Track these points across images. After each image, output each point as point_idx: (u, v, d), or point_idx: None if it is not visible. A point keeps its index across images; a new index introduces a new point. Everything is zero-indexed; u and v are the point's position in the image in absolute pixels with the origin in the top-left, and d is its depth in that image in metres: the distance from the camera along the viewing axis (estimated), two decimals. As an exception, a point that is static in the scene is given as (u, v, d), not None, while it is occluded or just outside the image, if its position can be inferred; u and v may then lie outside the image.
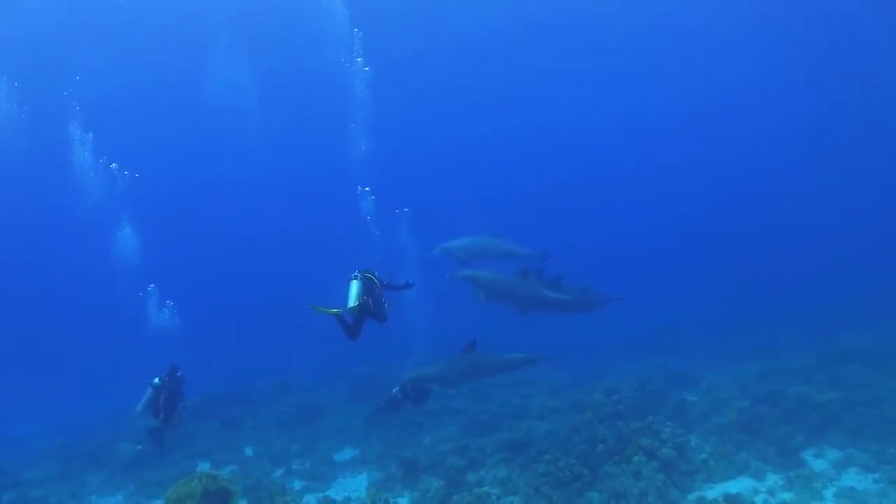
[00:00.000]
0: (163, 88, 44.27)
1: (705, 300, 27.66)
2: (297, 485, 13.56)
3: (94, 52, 38.67)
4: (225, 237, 49.44)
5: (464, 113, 51.14)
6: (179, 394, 11.46)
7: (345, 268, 10.03)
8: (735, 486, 10.69)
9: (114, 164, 24.18)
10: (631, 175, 50.43)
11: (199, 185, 51.20)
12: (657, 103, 49.95)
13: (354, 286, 9.78)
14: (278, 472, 14.50)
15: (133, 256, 23.64)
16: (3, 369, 34.38)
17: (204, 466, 14.86)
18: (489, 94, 50.59)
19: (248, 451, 16.30)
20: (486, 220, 16.78)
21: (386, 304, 10.03)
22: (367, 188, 17.97)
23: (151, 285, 19.28)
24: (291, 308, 15.35)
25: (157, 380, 11.32)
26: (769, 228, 40.76)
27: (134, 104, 43.68)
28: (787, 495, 10.20)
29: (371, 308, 9.77)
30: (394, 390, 13.30)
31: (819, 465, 11.19)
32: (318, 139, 43.29)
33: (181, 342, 18.74)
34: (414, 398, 13.32)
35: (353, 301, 9.67)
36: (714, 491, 10.53)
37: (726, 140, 47.82)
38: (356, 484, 13.39)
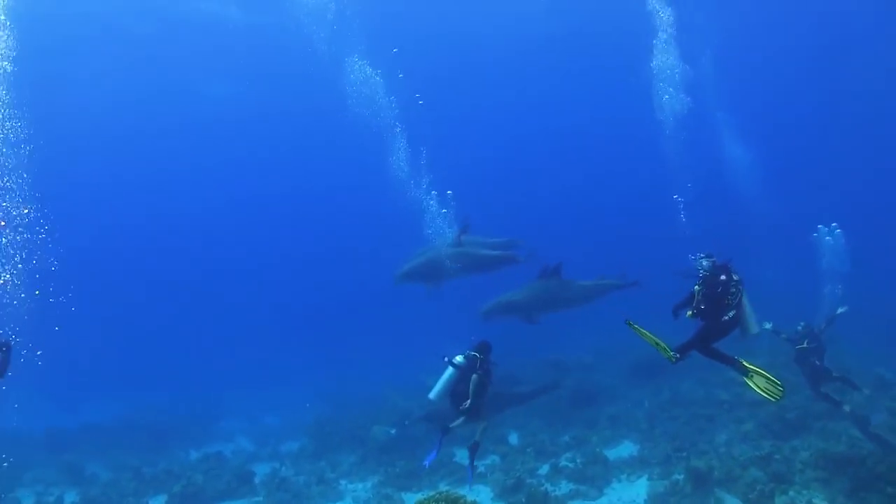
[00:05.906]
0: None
1: None
2: (564, 487, 12.01)
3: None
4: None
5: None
6: (490, 379, 9.15)
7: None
8: None
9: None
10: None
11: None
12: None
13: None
14: (543, 469, 13.05)
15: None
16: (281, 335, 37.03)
17: (462, 456, 13.44)
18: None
19: (513, 440, 15.14)
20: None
21: None
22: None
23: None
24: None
25: (460, 357, 9.10)
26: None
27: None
28: None
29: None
30: None
31: None
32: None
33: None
34: None
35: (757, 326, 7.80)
36: None
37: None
38: (633, 492, 11.53)
